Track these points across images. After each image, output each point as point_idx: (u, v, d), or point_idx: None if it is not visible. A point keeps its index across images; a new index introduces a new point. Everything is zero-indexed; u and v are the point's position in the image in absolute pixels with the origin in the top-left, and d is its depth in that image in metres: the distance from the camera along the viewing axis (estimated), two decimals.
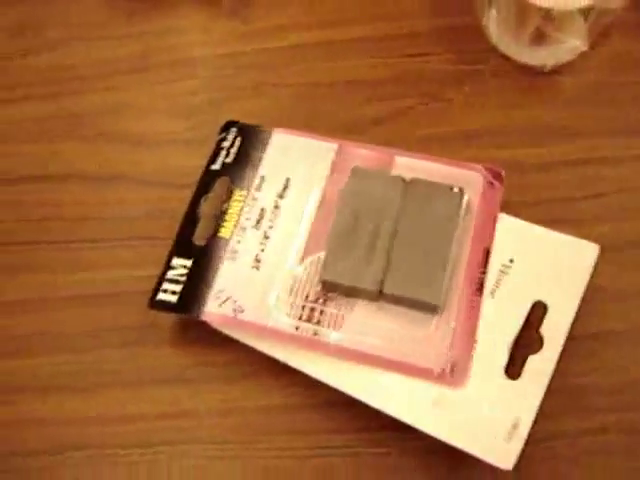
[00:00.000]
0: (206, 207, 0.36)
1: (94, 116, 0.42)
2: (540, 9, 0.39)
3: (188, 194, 0.37)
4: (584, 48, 0.40)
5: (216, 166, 0.37)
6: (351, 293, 0.33)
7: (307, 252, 0.34)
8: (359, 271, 0.33)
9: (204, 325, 0.33)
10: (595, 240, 0.34)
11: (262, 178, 0.37)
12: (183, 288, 0.34)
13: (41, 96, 0.43)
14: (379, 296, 0.33)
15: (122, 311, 0.36)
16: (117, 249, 0.37)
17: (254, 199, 0.36)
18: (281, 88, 0.42)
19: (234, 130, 0.38)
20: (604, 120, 0.40)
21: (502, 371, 0.31)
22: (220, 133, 0.38)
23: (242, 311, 0.33)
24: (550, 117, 0.40)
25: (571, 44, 0.40)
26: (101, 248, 0.38)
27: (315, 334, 0.32)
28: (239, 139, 0.38)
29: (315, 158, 0.37)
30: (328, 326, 0.32)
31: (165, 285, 0.34)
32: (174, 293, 0.34)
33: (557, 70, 0.41)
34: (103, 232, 0.38)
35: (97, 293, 0.36)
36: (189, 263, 0.34)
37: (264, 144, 0.38)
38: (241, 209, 0.36)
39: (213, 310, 0.33)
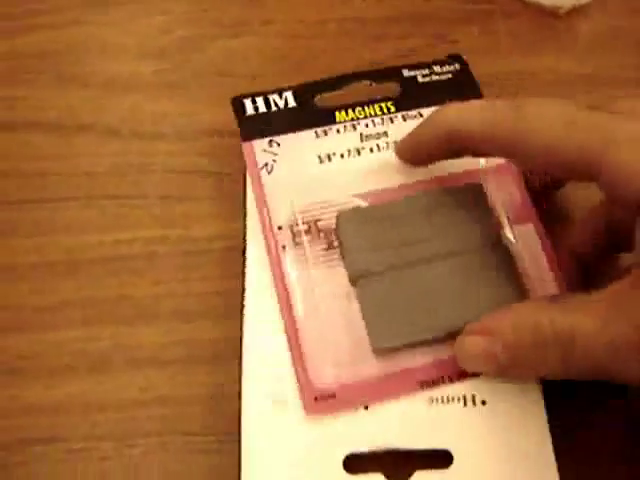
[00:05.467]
0: None
1: (54, 56, 0.37)
2: None
3: (159, 146, 0.33)
4: None
5: None
6: None
7: None
8: None
9: None
10: None
11: None
12: None
13: None
14: None
15: (85, 283, 0.31)
16: (80, 209, 0.33)
17: None
18: (268, 26, 0.37)
19: None
20: (626, 69, 0.36)
21: None
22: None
23: None
24: (566, 65, 0.36)
25: None
26: (62, 208, 0.33)
27: None
28: None
29: None
30: None
31: None
32: None
33: (573, 13, 0.37)
34: (65, 190, 0.34)
35: (58, 260, 0.32)
36: None
37: None
38: None
39: None
